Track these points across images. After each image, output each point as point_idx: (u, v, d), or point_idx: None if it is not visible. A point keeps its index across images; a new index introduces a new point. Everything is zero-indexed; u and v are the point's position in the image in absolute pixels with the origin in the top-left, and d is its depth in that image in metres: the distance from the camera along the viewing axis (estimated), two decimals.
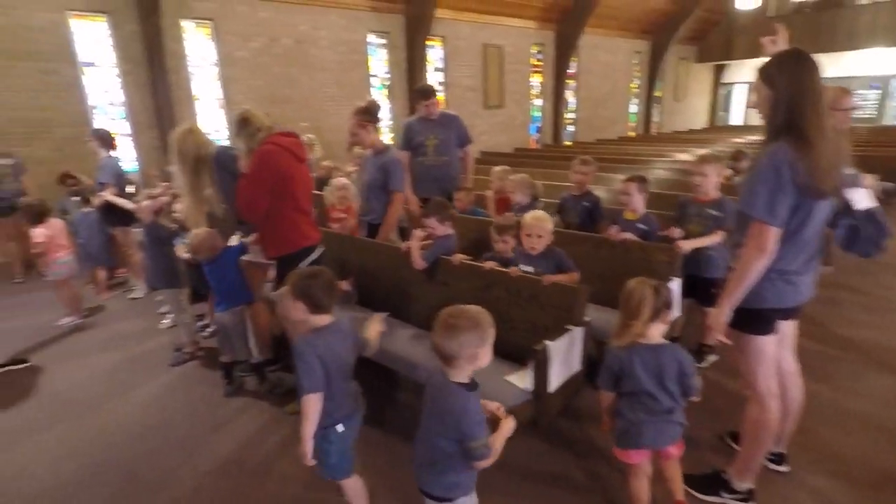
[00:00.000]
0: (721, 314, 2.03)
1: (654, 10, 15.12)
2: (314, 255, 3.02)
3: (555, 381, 2.48)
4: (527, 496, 2.46)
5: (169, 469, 2.78)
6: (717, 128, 19.66)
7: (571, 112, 15.30)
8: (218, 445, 2.97)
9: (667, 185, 6.40)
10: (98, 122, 7.51)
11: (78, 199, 5.68)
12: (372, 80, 10.67)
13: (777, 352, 2.19)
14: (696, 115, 20.42)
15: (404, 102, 10.87)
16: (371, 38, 10.41)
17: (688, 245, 3.19)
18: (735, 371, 2.52)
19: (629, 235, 3.42)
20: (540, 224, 2.97)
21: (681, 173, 7.23)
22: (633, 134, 17.16)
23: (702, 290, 3.29)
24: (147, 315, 4.95)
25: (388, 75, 10.93)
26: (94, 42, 7.52)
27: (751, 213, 1.90)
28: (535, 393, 2.48)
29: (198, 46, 8.44)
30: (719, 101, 21.38)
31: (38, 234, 4.45)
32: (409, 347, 3.01)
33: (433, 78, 11.48)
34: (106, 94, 7.77)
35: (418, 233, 3.23)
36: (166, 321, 4.67)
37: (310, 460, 1.95)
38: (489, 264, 3.03)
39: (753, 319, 2.07)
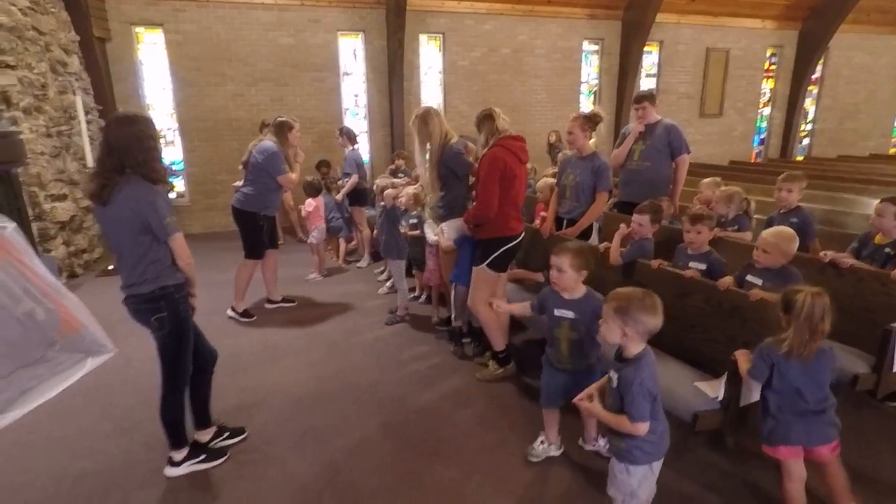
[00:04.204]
0: None
1: None
2: (513, 243, 3.44)
3: (747, 396, 2.42)
4: None
5: (385, 402, 3.42)
6: None
7: (807, 123, 13.25)
8: (420, 392, 3.54)
9: None
10: (347, 122, 9.15)
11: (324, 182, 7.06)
12: (581, 86, 10.80)
13: None
14: None
15: (610, 109, 10.75)
16: (585, 45, 10.54)
17: None
18: None
19: (848, 259, 3.05)
20: (766, 240, 2.82)
21: None
22: (893, 151, 14.08)
23: None
24: (369, 281, 5.98)
25: (597, 81, 10.93)
26: (350, 55, 9.18)
27: None
28: (724, 404, 2.45)
29: (428, 57, 9.63)
30: None
31: (308, 204, 5.81)
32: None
33: (645, 84, 11.11)
34: (354, 98, 9.41)
35: (623, 228, 3.39)
36: (383, 289, 5.58)
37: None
38: (689, 272, 3.02)
39: None
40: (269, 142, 4.61)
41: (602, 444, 2.74)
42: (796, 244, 2.85)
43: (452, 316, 4.14)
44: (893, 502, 2.47)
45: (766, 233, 2.89)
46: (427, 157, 3.67)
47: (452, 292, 4.07)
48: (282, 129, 4.69)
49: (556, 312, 2.56)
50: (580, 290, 2.54)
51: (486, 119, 3.34)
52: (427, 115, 3.64)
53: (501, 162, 3.21)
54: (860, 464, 2.69)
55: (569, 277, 2.49)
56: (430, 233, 4.19)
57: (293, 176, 4.73)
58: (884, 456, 2.78)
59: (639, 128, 4.52)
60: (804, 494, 2.18)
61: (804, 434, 2.09)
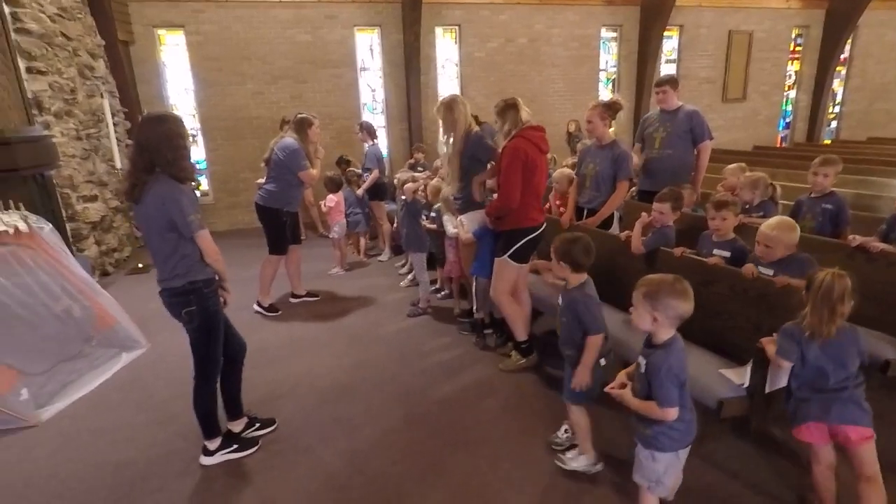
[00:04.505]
0: None
1: None
2: (534, 234, 3.44)
3: (774, 381, 2.40)
4: (727, 500, 2.42)
5: (408, 393, 3.48)
6: None
7: (835, 105, 12.85)
8: (443, 382, 3.59)
9: None
10: (365, 117, 9.21)
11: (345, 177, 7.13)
12: (600, 74, 10.66)
13: None
14: None
15: (630, 96, 10.59)
16: (602, 31, 10.39)
17: None
18: None
19: (877, 243, 2.97)
20: (766, 234, 2.74)
21: None
22: None
23: None
24: (390, 275, 6.05)
25: (615, 68, 10.77)
26: (367, 50, 9.22)
27: None
28: (750, 391, 2.43)
29: (444, 49, 9.62)
30: None
31: (330, 199, 5.92)
32: (621, 331, 3.16)
33: (665, 70, 10.92)
34: (372, 93, 9.46)
35: (644, 217, 3.37)
36: (404, 282, 5.64)
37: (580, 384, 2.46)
38: (713, 259, 2.99)
39: None
40: (289, 139, 4.68)
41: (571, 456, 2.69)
42: (797, 233, 2.75)
43: (474, 308, 4.17)
44: None
45: (766, 226, 2.77)
46: (448, 148, 3.68)
47: (474, 284, 4.09)
48: (302, 126, 4.76)
49: (559, 298, 2.65)
50: (576, 280, 2.53)
51: (510, 109, 3.34)
52: (453, 103, 3.64)
53: (523, 153, 3.22)
54: (889, 449, 2.66)
55: (555, 266, 2.55)
56: (450, 226, 4.21)
57: (314, 172, 4.80)
58: None
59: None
60: (833, 480, 2.17)
61: (822, 410, 2.06)
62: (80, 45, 6.37)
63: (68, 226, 5.58)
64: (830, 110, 12.78)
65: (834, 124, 13.03)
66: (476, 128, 3.67)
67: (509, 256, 3.42)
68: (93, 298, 4.00)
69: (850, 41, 11.98)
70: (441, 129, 3.73)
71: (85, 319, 3.93)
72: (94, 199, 6.20)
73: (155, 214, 2.45)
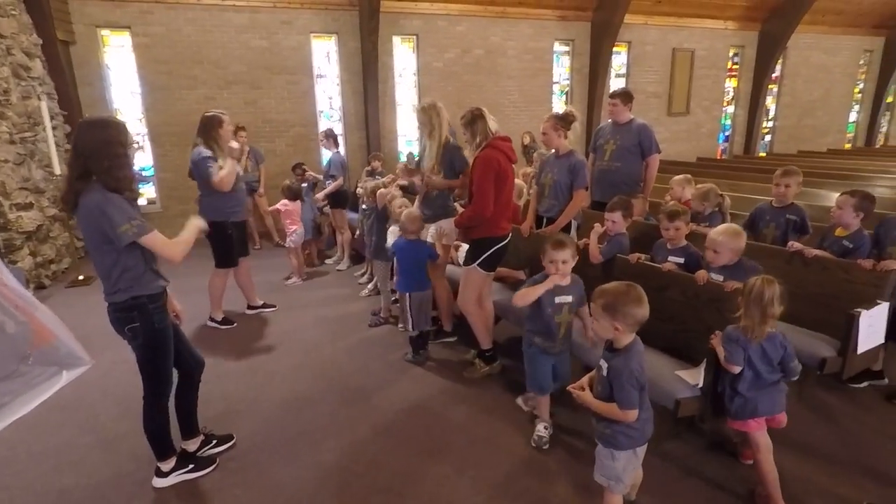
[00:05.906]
0: None
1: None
2: (501, 244, 3.48)
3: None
4: (683, 495, 2.52)
5: (373, 403, 3.44)
6: None
7: (769, 120, 13.76)
8: (408, 391, 3.57)
9: (893, 206, 5.54)
10: (322, 125, 9.09)
11: (305, 185, 7.01)
12: (553, 86, 10.97)
13: None
14: None
15: (582, 108, 10.94)
16: (556, 45, 10.71)
17: None
18: None
19: (811, 249, 3.22)
20: (715, 240, 2.89)
21: None
22: (848, 146, 14.72)
23: None
24: (350, 285, 5.96)
25: (568, 81, 11.12)
26: (324, 57, 9.13)
27: None
28: (704, 390, 2.55)
29: (402, 58, 9.64)
30: None
31: (283, 203, 5.85)
32: (579, 335, 3.24)
33: (615, 84, 11.36)
34: (329, 101, 9.36)
35: (598, 227, 3.47)
36: (365, 291, 5.58)
37: None
38: (667, 266, 3.13)
39: None
40: (197, 147, 4.28)
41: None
42: (744, 239, 2.94)
43: (409, 326, 3.97)
44: (855, 477, 2.61)
45: (714, 232, 2.95)
46: (427, 151, 3.76)
47: (408, 302, 3.91)
48: (208, 128, 4.25)
49: (558, 300, 2.72)
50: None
51: (479, 119, 3.36)
52: (441, 109, 3.81)
53: (496, 162, 3.26)
54: (826, 441, 2.86)
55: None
56: (428, 236, 4.21)
57: (223, 173, 4.24)
58: (844, 433, 2.96)
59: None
60: (774, 465, 2.33)
61: (769, 404, 2.33)
62: (14, 44, 5.99)
63: (0, 235, 5.21)
64: (764, 125, 13.65)
65: (768, 138, 13.91)
66: (451, 138, 3.75)
67: (478, 265, 3.44)
68: (29, 313, 3.74)
69: (780, 61, 12.86)
70: (421, 131, 3.82)
71: (20, 336, 3.67)
72: (29, 206, 5.82)
73: (87, 226, 2.29)
